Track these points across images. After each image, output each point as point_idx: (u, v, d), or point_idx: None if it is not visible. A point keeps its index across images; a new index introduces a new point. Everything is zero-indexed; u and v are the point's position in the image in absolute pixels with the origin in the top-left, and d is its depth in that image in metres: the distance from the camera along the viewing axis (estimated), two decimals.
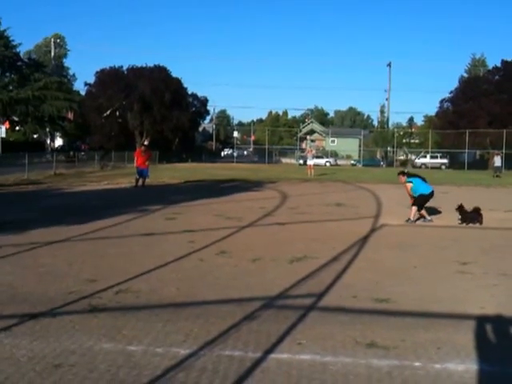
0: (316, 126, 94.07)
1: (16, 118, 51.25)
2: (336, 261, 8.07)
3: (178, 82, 56.31)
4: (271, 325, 5.07)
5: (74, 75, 73.63)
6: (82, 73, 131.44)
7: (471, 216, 12.19)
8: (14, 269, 7.36)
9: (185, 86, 58.27)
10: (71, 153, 43.48)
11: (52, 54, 66.52)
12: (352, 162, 64.57)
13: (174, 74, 56.96)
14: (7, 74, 51.78)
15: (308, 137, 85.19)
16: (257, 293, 6.25)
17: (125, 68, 54.79)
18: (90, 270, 7.27)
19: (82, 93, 57.80)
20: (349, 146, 70.28)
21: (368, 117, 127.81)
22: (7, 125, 46.06)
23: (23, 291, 6.22)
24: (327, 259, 8.09)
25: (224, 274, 7.27)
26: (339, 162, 64.56)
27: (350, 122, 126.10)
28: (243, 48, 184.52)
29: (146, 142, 50.15)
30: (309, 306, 5.71)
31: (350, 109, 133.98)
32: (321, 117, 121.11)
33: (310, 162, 34.13)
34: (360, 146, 67.97)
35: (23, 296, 6.01)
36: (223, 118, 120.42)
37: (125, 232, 10.73)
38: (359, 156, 65.93)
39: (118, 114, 53.63)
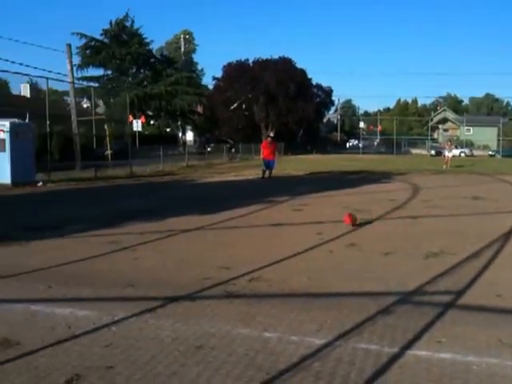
0: (449, 115, 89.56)
1: (150, 113, 54.48)
2: (475, 257, 7.62)
3: (302, 72, 56.50)
4: (407, 321, 4.92)
5: (202, 70, 76.70)
6: (210, 67, 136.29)
7: None
8: (154, 254, 7.84)
9: (309, 76, 58.35)
10: (208, 146, 45.10)
11: (182, 49, 69.63)
12: (490, 152, 60.58)
13: (299, 65, 57.17)
14: (142, 71, 55.13)
15: (440, 126, 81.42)
16: (391, 287, 6.09)
17: (250, 61, 55.98)
18: (223, 258, 7.53)
19: (210, 87, 59.99)
20: (486, 135, 66.11)
21: (507, 103, 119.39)
22: (143, 119, 49.17)
23: (163, 276, 6.59)
24: (466, 255, 7.67)
25: (355, 267, 7.18)
26: (475, 152, 60.95)
27: (487, 109, 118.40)
28: (368, 36, 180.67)
29: (271, 134, 50.88)
30: (447, 303, 5.46)
31: (487, 95, 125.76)
32: (454, 104, 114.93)
33: (448, 154, 33.28)
34: (499, 135, 63.63)
35: (164, 280, 6.36)
36: (348, 108, 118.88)
37: (254, 222, 10.99)
38: (498, 146, 61.77)
39: (244, 106, 55.01)
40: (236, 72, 53.38)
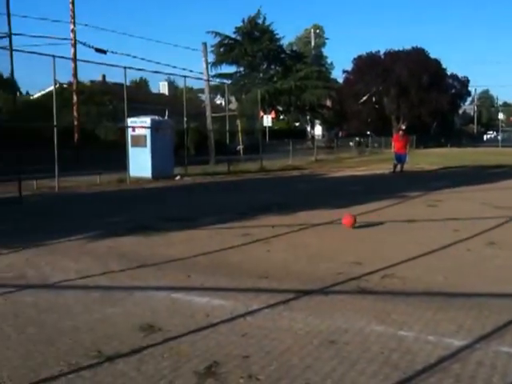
0: None
1: (280, 108, 55.19)
2: None
3: (436, 63, 54.04)
4: None
5: (331, 63, 76.16)
6: (339, 61, 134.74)
7: None
8: (286, 247, 7.94)
9: (444, 66, 55.61)
10: (358, 139, 44.49)
11: (312, 44, 69.66)
12: None
13: (433, 56, 54.73)
14: (272, 67, 55.96)
15: None
16: None
17: (382, 53, 54.62)
18: (355, 253, 7.43)
19: (340, 80, 59.42)
20: None
21: None
22: (273, 114, 50.00)
23: (295, 269, 6.65)
24: None
25: (495, 266, 6.74)
26: None
27: None
28: (508, 22, 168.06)
29: (403, 127, 49.25)
30: None
31: None
32: None
33: None
34: None
35: (296, 273, 6.42)
36: (486, 98, 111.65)
37: (386, 217, 10.71)
38: None
39: (374, 99, 53.84)
40: (366, 64, 52.42)
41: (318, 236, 8.92)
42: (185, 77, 23.68)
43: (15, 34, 12.54)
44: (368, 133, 49.60)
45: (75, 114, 28.19)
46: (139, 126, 20.19)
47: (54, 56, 15.87)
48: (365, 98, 53.07)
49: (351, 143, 41.34)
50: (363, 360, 3.94)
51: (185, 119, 23.53)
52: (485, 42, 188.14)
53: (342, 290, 5.66)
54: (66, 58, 24.17)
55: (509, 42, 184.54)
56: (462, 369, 3.77)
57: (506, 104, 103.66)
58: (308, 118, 57.63)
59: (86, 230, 9.29)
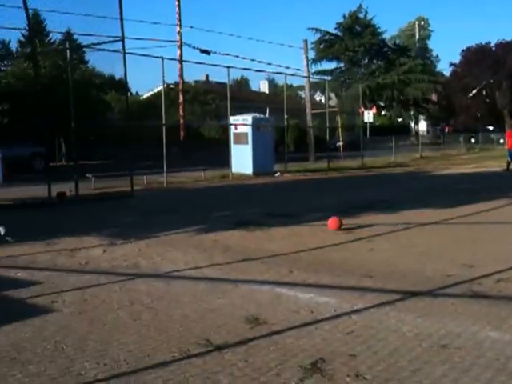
0: None
1: (382, 103, 53.91)
2: None
3: None
4: None
5: (437, 56, 73.22)
6: (446, 53, 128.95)
7: None
8: (390, 246, 7.76)
9: None
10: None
11: (416, 36, 67.37)
12: None
13: None
14: (374, 61, 54.75)
15: None
16: None
17: (492, 44, 51.67)
18: (465, 255, 7.10)
19: (446, 73, 56.97)
20: None
21: None
22: (374, 110, 48.94)
23: (401, 269, 6.47)
24: None
25: None
26: None
27: None
28: None
29: None
30: None
31: None
32: None
33: None
34: None
35: (401, 273, 6.25)
36: None
37: (500, 218, 10.14)
38: None
39: (484, 93, 51.10)
40: (476, 56, 49.72)
41: (424, 235, 8.63)
42: (285, 74, 23.80)
43: (128, 38, 13.07)
44: (490, 127, 46.97)
45: (181, 112, 29.24)
46: (241, 123, 20.58)
47: (162, 58, 16.59)
48: (474, 92, 50.48)
49: (461, 139, 39.47)
50: (477, 366, 3.75)
51: (285, 116, 23.65)
52: None
53: (452, 293, 5.43)
54: (173, 59, 25.25)
55: None
56: None
57: None
58: (412, 113, 55.75)
59: (192, 223, 9.61)
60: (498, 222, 9.64)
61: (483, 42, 51.90)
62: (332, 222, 8.93)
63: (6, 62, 37.19)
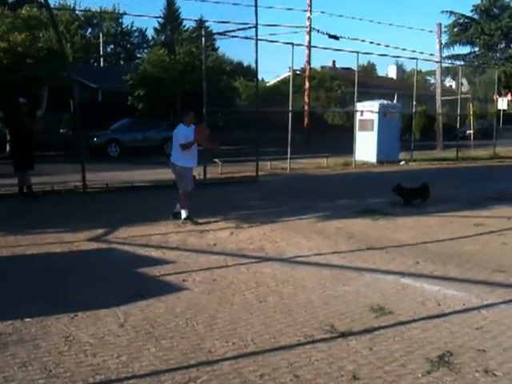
0: None
1: None
2: None
3: None
4: None
5: None
6: None
7: None
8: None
9: None
10: None
11: None
12: None
13: None
14: (511, 46, 51.04)
15: None
16: None
17: None
18: None
19: None
20: None
21: None
22: (509, 97, 45.53)
23: None
24: None
25: None
26: None
27: None
28: None
29: None
30: None
31: None
32: None
33: None
34: None
35: None
36: None
37: None
38: None
39: None
40: None
41: None
42: (416, 59, 22.92)
43: (260, 25, 13.21)
44: None
45: (306, 99, 29.26)
46: (368, 109, 20.21)
47: (292, 44, 16.67)
48: None
49: None
50: None
51: (414, 103, 22.85)
52: None
53: None
54: (303, 45, 25.28)
55: None
56: None
57: None
58: None
59: (315, 209, 9.70)
60: None
61: None
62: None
63: (142, 49, 39.61)
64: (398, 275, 5.70)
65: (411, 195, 10.30)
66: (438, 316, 4.51)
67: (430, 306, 4.77)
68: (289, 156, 16.58)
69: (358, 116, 20.22)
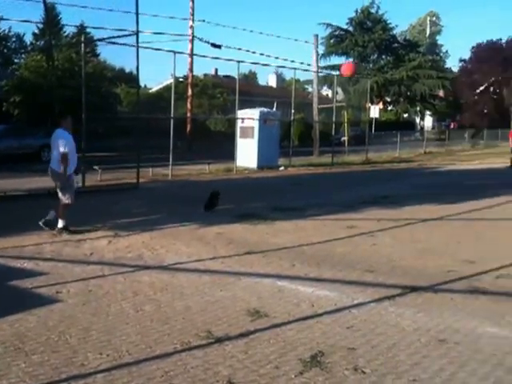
0: None
1: (388, 99, 53.80)
2: None
3: None
4: None
5: (446, 52, 72.77)
6: (455, 49, 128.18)
7: None
8: (392, 242, 7.80)
9: None
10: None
11: (427, 32, 66.96)
12: None
13: None
14: (383, 57, 54.66)
15: None
16: None
17: (504, 40, 51.33)
18: (467, 251, 7.15)
19: (455, 69, 56.70)
20: None
21: None
22: (381, 105, 48.68)
23: (402, 264, 6.53)
24: None
25: None
26: None
27: None
28: None
29: None
30: None
31: None
32: None
33: None
34: None
35: (402, 268, 6.30)
36: None
37: (503, 215, 10.18)
38: None
39: (492, 90, 50.81)
40: (486, 53, 49.27)
41: (426, 231, 8.67)
42: (294, 69, 23.73)
43: (143, 32, 13.09)
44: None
45: (189, 106, 29.23)
46: (248, 117, 20.59)
47: (174, 52, 16.62)
48: (482, 88, 50.13)
49: (465, 135, 39.36)
50: (474, 361, 3.81)
51: (292, 111, 23.63)
52: None
53: (452, 289, 5.48)
54: (184, 53, 25.18)
55: None
56: None
57: None
58: (418, 108, 55.59)
59: (196, 216, 9.67)
60: (500, 219, 9.68)
61: (494, 39, 51.60)
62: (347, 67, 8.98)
63: (20, 54, 37.36)
64: (274, 278, 5.82)
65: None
66: (311, 317, 4.65)
67: (304, 307, 4.91)
68: (171, 162, 16.43)
69: (239, 123, 20.54)
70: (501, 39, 51.42)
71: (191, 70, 29.46)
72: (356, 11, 52.65)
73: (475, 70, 49.60)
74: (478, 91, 49.99)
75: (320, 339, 4.17)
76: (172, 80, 18.59)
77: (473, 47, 52.14)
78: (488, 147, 36.91)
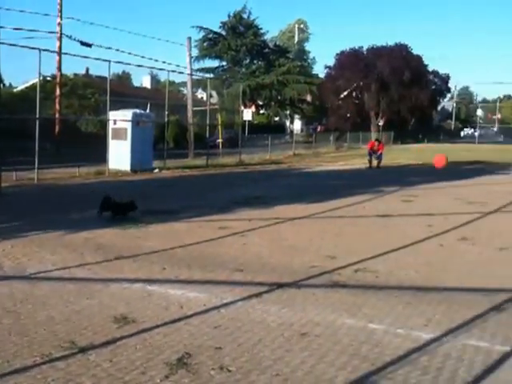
0: None
1: (261, 102, 55.28)
2: None
3: (418, 59, 54.41)
4: None
5: (313, 58, 76.18)
6: (322, 56, 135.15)
7: None
8: (262, 241, 8.03)
9: (426, 63, 56.00)
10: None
11: (295, 39, 69.60)
12: None
13: (415, 52, 55.09)
14: (255, 61, 56.05)
15: None
16: (505, 284, 5.81)
17: (365, 49, 54.84)
18: (329, 247, 7.56)
19: (321, 75, 59.58)
20: None
21: None
22: (253, 108, 49.90)
23: (270, 262, 6.74)
24: None
25: (467, 261, 6.93)
26: None
27: None
28: (490, 19, 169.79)
29: (380, 123, 49.75)
30: None
31: None
32: None
33: None
34: None
35: (271, 266, 6.52)
36: (465, 95, 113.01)
37: (361, 212, 10.88)
38: None
39: (354, 95, 54.07)
40: (349, 60, 52.37)
41: (294, 230, 9.04)
42: (168, 71, 23.61)
43: (3, 28, 12.20)
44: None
45: (57, 106, 27.88)
46: (121, 119, 20.08)
47: (40, 49, 15.74)
48: (345, 94, 53.20)
49: (331, 138, 41.67)
50: (333, 352, 4.04)
51: (166, 113, 23.45)
52: (467, 39, 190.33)
53: (315, 284, 5.77)
54: (51, 51, 23.92)
55: (490, 39, 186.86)
56: (429, 361, 3.90)
57: (484, 101, 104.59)
58: (288, 112, 57.76)
59: (63, 221, 9.26)
60: (359, 216, 10.35)
61: (356, 47, 54.95)
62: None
63: None
64: (144, 283, 5.74)
65: (119, 209, 9.83)
66: (179, 319, 4.66)
67: (174, 310, 4.91)
68: (36, 166, 15.57)
69: (111, 125, 19.97)
70: (362, 47, 54.94)
71: (59, 68, 28.13)
72: (228, 15, 53.53)
73: (339, 76, 52.49)
74: (341, 96, 52.93)
75: (187, 341, 4.19)
76: (38, 79, 17.61)
77: (337, 54, 55.15)
78: (351, 149, 39.25)
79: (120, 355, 3.92)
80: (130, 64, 35.22)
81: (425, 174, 19.80)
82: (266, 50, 55.93)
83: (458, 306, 5.06)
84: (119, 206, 9.84)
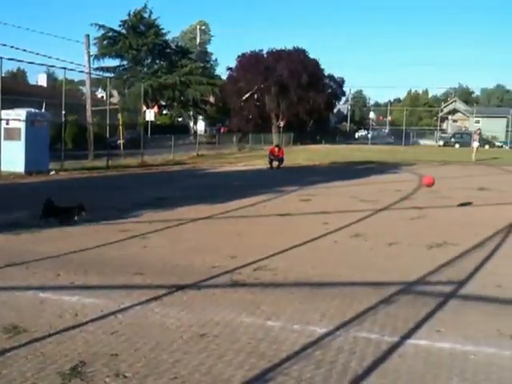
0: (459, 106, 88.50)
1: (163, 103, 54.64)
2: (479, 248, 7.66)
3: (315, 63, 56.02)
4: (409, 310, 4.98)
5: (216, 60, 76.40)
6: (224, 58, 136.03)
7: None
8: (164, 242, 7.96)
9: (322, 67, 57.85)
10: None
11: (197, 40, 69.42)
12: (498, 143, 59.91)
13: (312, 56, 56.74)
14: (157, 61, 55.34)
15: (450, 117, 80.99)
16: (393, 277, 6.15)
17: (265, 51, 55.68)
18: (230, 247, 7.63)
19: (224, 77, 59.88)
20: (495, 127, 65.28)
21: None
22: (156, 109, 49.25)
23: (171, 264, 6.69)
24: (469, 246, 7.71)
25: (359, 257, 7.25)
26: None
27: (497, 100, 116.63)
28: (382, 26, 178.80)
29: (281, 124, 50.85)
30: (449, 293, 5.51)
31: (498, 86, 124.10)
32: (465, 95, 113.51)
33: (474, 145, 33.56)
34: (508, 127, 63.38)
35: (171, 268, 6.47)
36: (359, 98, 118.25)
37: (262, 212, 11.08)
38: (506, 137, 61.52)
39: (256, 97, 54.81)
40: (250, 62, 52.87)
41: (195, 231, 9.04)
42: (64, 68, 22.70)
43: None
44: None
45: None
46: (14, 118, 19.04)
47: None
48: (247, 96, 53.78)
49: (234, 139, 42.10)
50: (231, 351, 4.09)
51: (63, 112, 22.56)
52: (360, 46, 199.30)
53: (215, 284, 5.81)
54: None
55: (380, 46, 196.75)
56: (323, 355, 4.04)
57: (377, 104, 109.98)
58: (191, 113, 57.55)
59: None
60: (259, 216, 10.55)
61: (257, 50, 55.64)
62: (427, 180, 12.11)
63: None
64: (37, 290, 5.50)
65: (66, 213, 9.48)
66: (74, 327, 4.50)
67: (68, 317, 4.74)
68: None
69: (3, 124, 18.93)
70: (262, 50, 55.78)
71: None
72: (129, 14, 52.42)
73: (240, 78, 52.92)
74: (243, 98, 53.43)
75: (82, 349, 4.06)
76: None
77: (238, 56, 55.56)
78: (253, 150, 39.81)
79: (10, 367, 3.73)
80: (22, 61, 33.67)
81: (322, 174, 20.50)
82: (168, 51, 55.40)
83: (351, 300, 5.29)
84: (66, 209, 9.39)
